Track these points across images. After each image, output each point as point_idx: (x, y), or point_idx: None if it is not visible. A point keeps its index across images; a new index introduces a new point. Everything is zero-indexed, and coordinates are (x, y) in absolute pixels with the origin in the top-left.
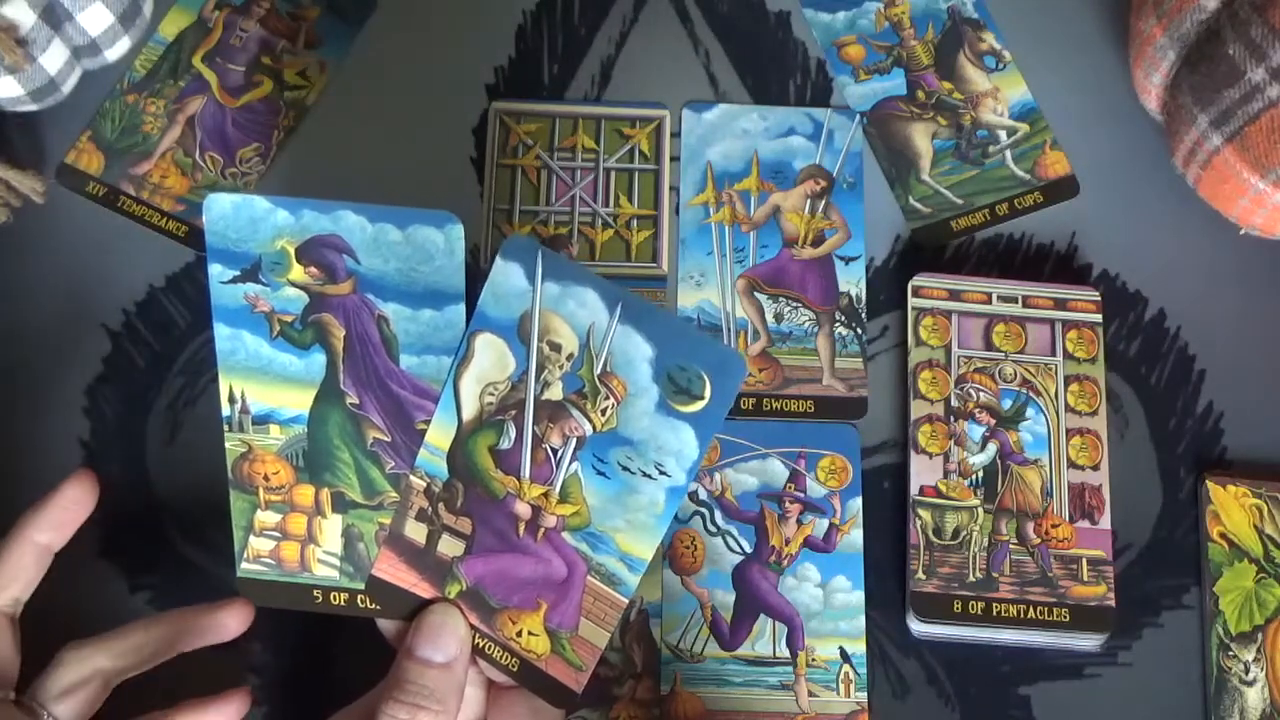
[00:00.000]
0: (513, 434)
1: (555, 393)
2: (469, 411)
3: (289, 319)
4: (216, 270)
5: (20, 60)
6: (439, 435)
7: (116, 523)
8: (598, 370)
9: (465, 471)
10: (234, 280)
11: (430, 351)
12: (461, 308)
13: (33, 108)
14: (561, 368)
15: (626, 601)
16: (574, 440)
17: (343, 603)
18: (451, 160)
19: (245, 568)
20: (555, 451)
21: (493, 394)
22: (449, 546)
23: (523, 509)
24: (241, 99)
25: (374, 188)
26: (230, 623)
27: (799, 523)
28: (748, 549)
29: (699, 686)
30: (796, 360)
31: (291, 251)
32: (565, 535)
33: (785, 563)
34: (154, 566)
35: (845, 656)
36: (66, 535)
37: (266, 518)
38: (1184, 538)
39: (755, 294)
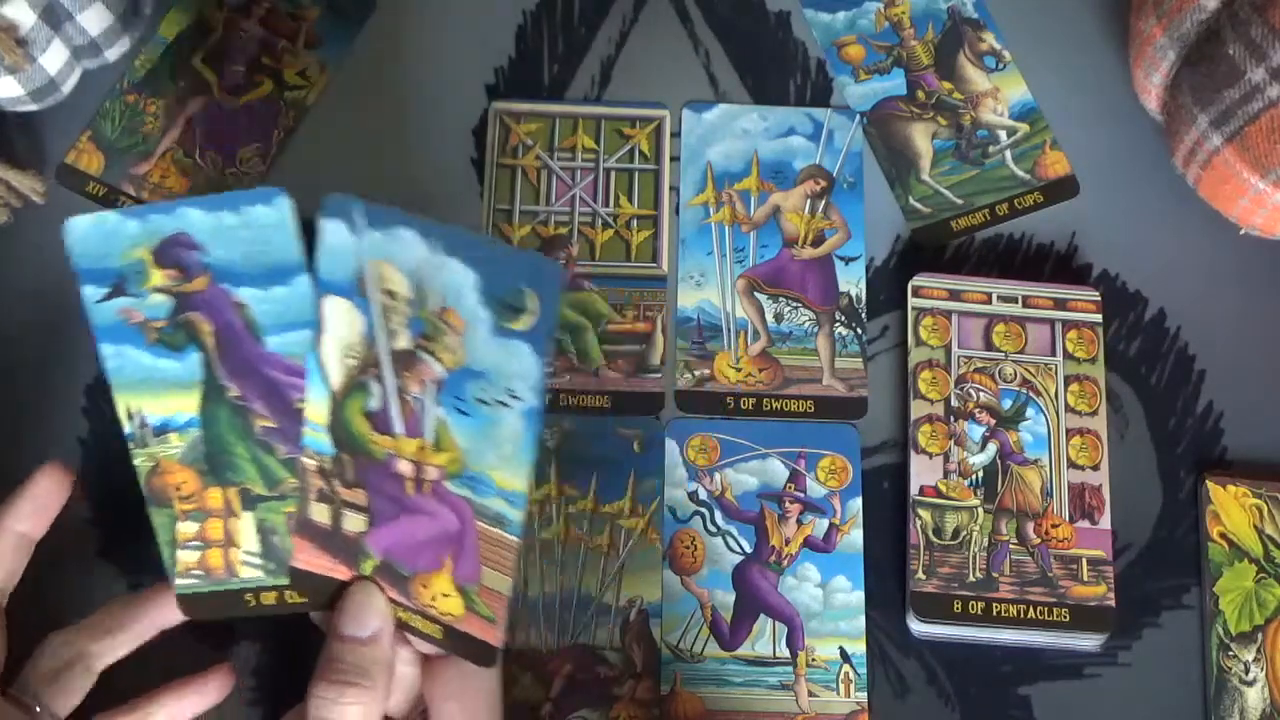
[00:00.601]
0: (378, 392)
1: (404, 341)
2: (336, 380)
3: (160, 324)
4: (90, 291)
5: (20, 60)
6: (316, 410)
7: (116, 523)
8: (433, 308)
9: (347, 441)
10: (106, 298)
11: (290, 328)
12: (306, 278)
13: (33, 108)
14: (403, 314)
15: (517, 541)
16: (431, 385)
17: (273, 601)
18: (451, 160)
19: (180, 584)
20: (418, 401)
21: (353, 356)
22: (353, 522)
23: (405, 467)
24: (241, 99)
25: (374, 188)
26: None
27: (799, 523)
28: (748, 549)
29: (699, 686)
30: (796, 360)
31: (149, 258)
32: (448, 484)
33: (785, 563)
34: (153, 566)
35: (845, 656)
36: (45, 523)
37: (186, 528)
38: (1184, 538)
39: (755, 294)
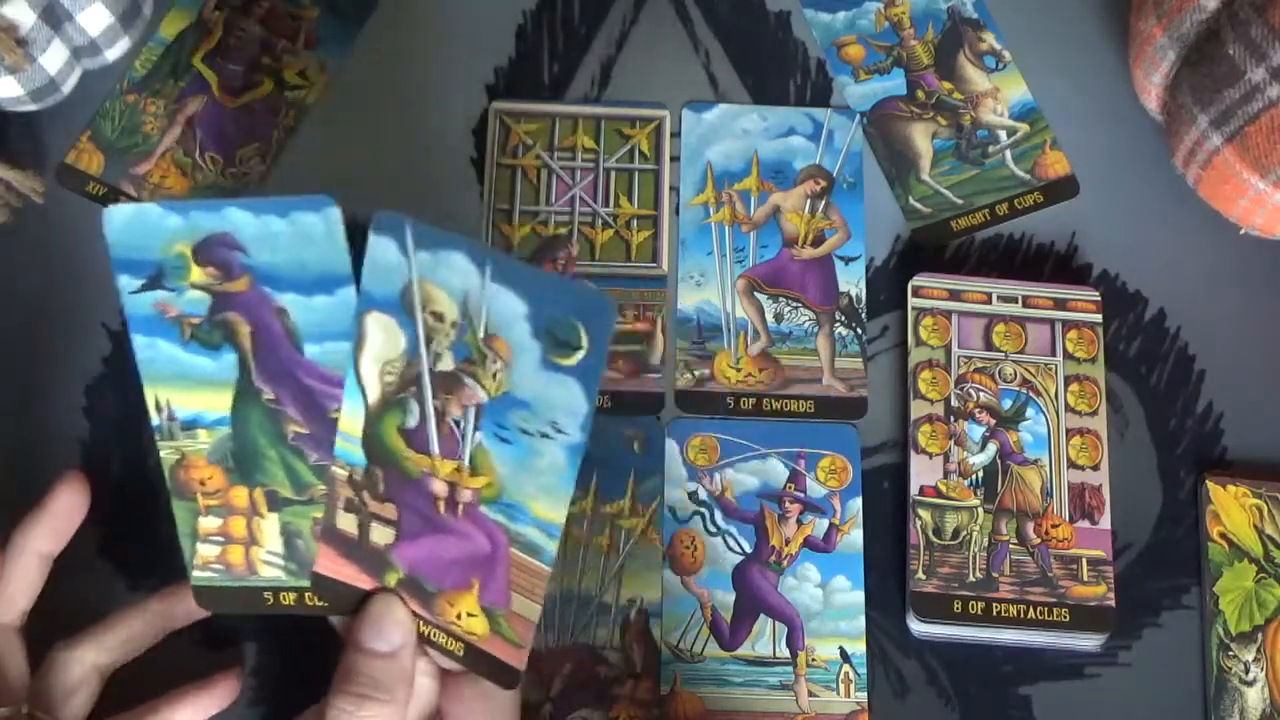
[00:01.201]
0: (416, 411)
1: (447, 363)
2: (373, 394)
3: (197, 321)
4: (125, 281)
5: (20, 60)
6: (350, 422)
7: (116, 523)
8: (480, 335)
9: (380, 455)
10: (142, 289)
11: (331, 338)
12: (352, 290)
13: (33, 108)
14: (448, 336)
15: (549, 570)
16: (472, 409)
17: (293, 602)
18: (451, 160)
19: (197, 575)
20: (458, 424)
21: (392, 373)
22: (380, 535)
23: (439, 486)
24: (241, 99)
25: (374, 188)
26: None
27: (799, 523)
28: (748, 549)
29: (699, 686)
30: (796, 360)
31: (189, 254)
32: (483, 509)
33: (785, 563)
34: (153, 566)
35: (845, 656)
36: (65, 541)
37: (208, 523)
38: (1184, 538)
39: (755, 294)
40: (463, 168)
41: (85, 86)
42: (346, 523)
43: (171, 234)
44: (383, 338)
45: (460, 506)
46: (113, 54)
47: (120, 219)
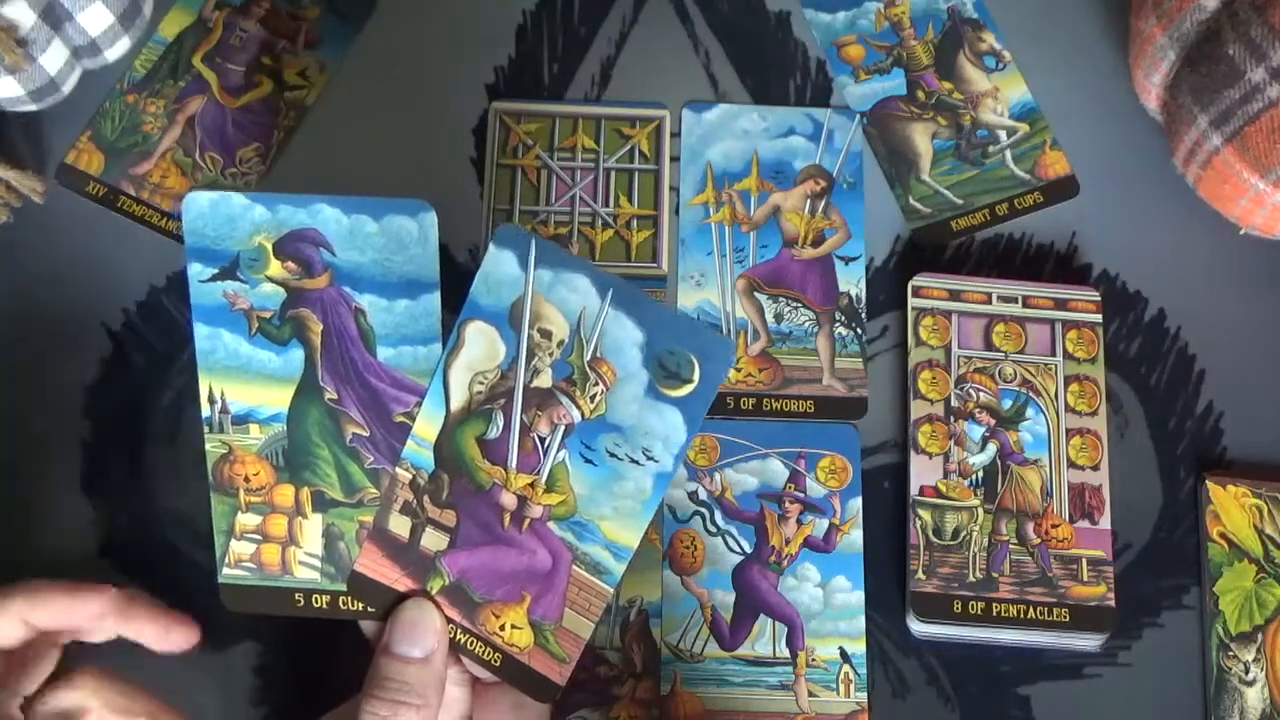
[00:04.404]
0: (500, 423)
1: (545, 380)
2: (457, 401)
3: (267, 315)
4: (196, 269)
5: (20, 60)
6: (426, 426)
7: (116, 523)
8: (588, 356)
9: (452, 462)
10: (213, 279)
11: (407, 342)
12: (436, 296)
13: (33, 108)
14: (552, 355)
15: (611, 591)
16: (562, 428)
17: (324, 605)
18: (451, 160)
19: (227, 573)
20: (543, 440)
21: (482, 383)
22: (432, 540)
23: (508, 499)
24: (241, 99)
25: (374, 188)
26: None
27: (799, 523)
28: (748, 549)
29: (699, 686)
30: (796, 360)
31: (269, 247)
32: (551, 525)
33: (785, 563)
34: (154, 566)
35: (845, 656)
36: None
37: (247, 520)
38: (1184, 538)
39: (755, 294)
40: (463, 168)
41: (85, 86)
42: (399, 525)
43: (254, 225)
44: (481, 347)
45: (526, 521)
46: (113, 54)
47: (198, 206)
